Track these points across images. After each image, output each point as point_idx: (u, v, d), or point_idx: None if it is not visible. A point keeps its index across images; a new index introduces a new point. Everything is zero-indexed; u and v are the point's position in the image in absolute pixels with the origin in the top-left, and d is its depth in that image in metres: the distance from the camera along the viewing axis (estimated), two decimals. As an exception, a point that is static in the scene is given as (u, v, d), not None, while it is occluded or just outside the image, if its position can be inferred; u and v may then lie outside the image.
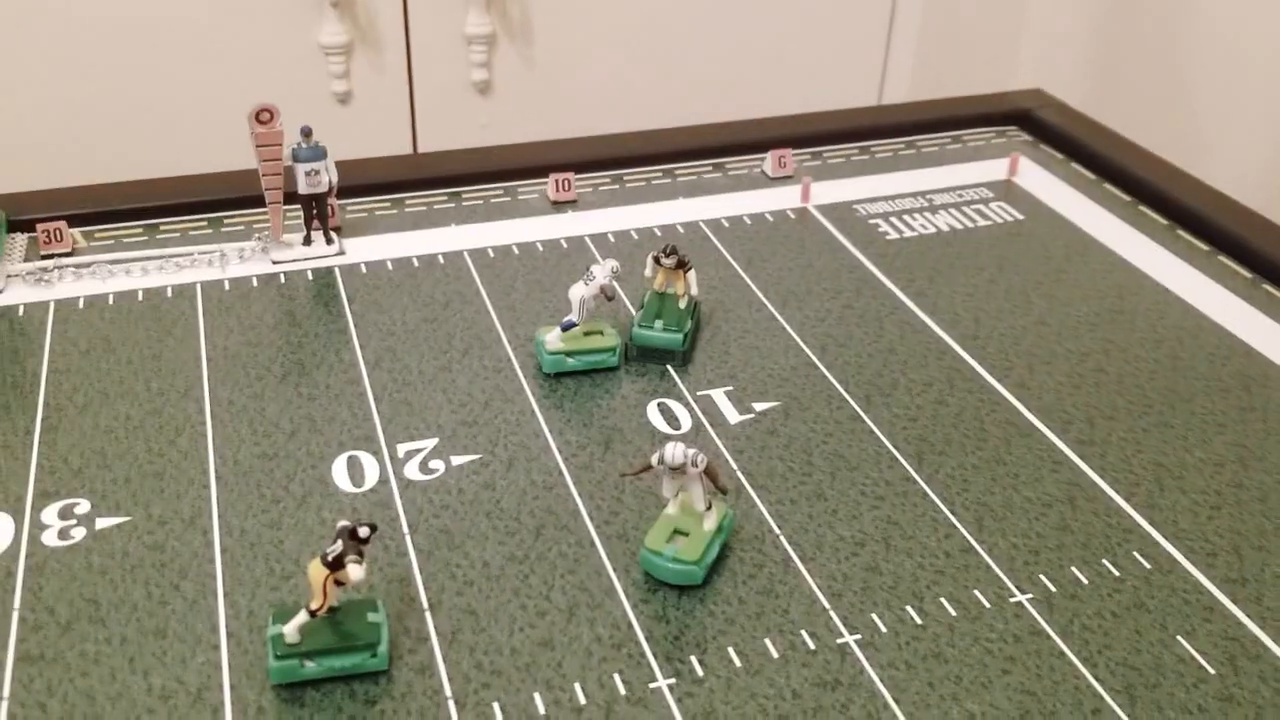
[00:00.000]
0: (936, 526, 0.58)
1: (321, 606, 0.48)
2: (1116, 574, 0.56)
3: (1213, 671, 0.51)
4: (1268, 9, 1.40)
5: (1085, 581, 0.55)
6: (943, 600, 0.54)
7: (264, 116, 0.74)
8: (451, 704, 0.48)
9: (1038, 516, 0.59)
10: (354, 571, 0.47)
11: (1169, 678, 0.50)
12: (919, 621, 0.53)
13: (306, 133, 0.77)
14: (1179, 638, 0.52)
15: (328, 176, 0.77)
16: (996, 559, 0.56)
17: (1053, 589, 0.55)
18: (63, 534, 0.56)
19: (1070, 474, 0.62)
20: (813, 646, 0.51)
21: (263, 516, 0.58)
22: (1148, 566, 0.56)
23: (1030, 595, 0.54)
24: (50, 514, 0.57)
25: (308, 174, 0.77)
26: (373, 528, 0.48)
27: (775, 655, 0.51)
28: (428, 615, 0.52)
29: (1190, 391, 0.69)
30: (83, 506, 0.58)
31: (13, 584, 0.53)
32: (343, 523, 0.48)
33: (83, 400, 0.65)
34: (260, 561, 0.55)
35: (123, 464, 0.61)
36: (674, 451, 0.52)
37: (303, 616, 0.48)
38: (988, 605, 0.54)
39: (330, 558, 0.47)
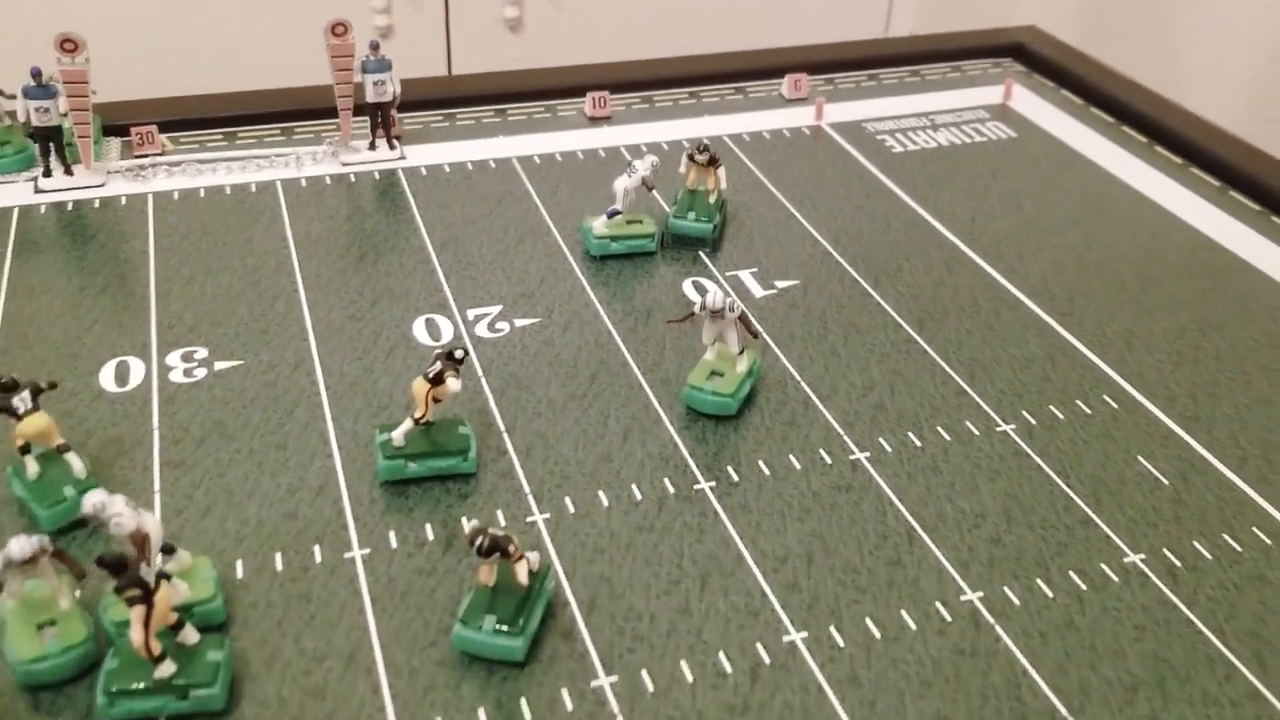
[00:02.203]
0: (934, 376, 0.68)
1: (423, 416, 0.57)
2: (1088, 412, 0.65)
3: (1166, 483, 0.60)
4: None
5: (1061, 417, 0.64)
6: (939, 429, 0.63)
7: (339, 30, 0.83)
8: (531, 498, 0.58)
9: (1022, 369, 0.68)
10: (452, 384, 0.56)
11: (1129, 486, 0.60)
12: (919, 444, 0.62)
13: (375, 46, 0.85)
14: (1139, 458, 0.62)
15: (392, 87, 0.86)
16: (985, 400, 0.66)
17: (1033, 422, 0.64)
18: (187, 373, 0.65)
19: (1051, 338, 0.71)
20: (829, 461, 0.61)
21: (357, 364, 0.67)
22: (1115, 406, 0.66)
23: (1014, 426, 0.64)
24: (174, 358, 0.67)
25: (375, 84, 0.85)
26: (466, 351, 0.57)
27: (798, 467, 0.60)
28: (505, 437, 0.62)
29: (1160, 276, 0.78)
30: (201, 353, 0.67)
31: (149, 410, 0.63)
32: (440, 347, 0.57)
33: (189, 273, 0.75)
34: (359, 396, 0.64)
35: (231, 322, 0.70)
36: (715, 296, 0.62)
37: (407, 424, 0.57)
38: (977, 433, 0.63)
39: (431, 375, 0.57)
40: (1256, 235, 0.84)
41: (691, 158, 0.80)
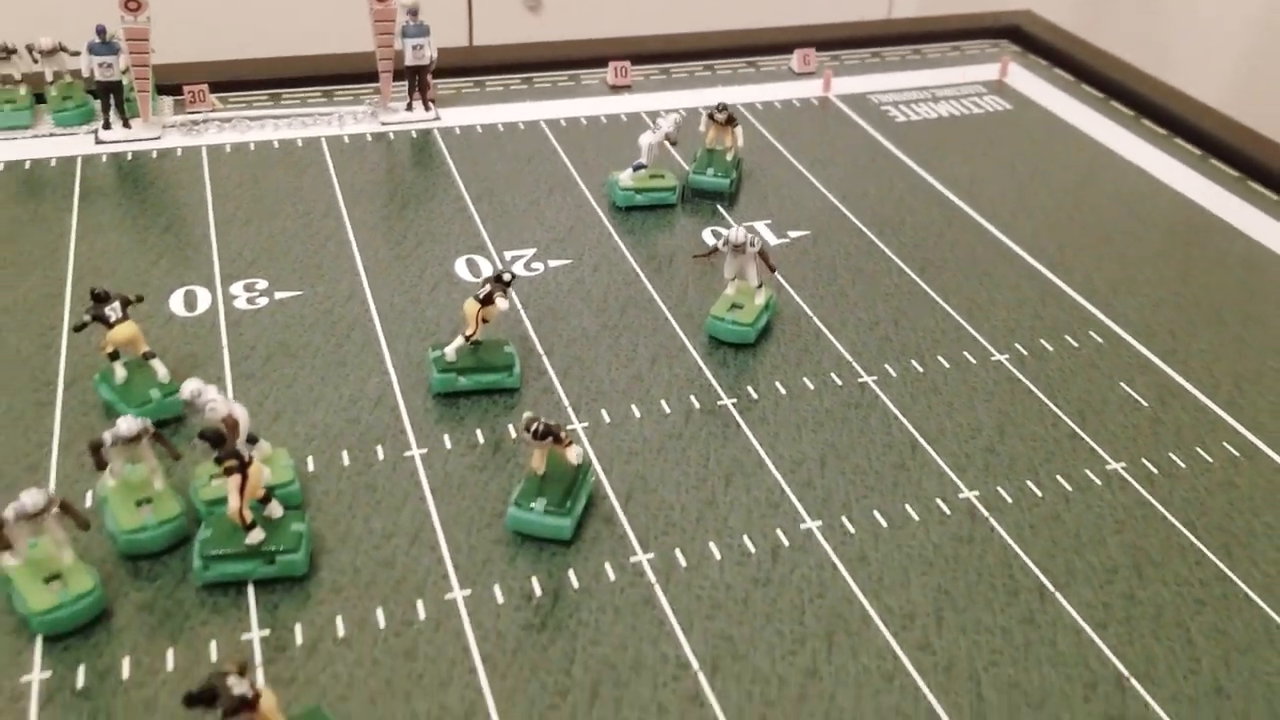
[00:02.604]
0: (935, 313, 0.73)
1: (473, 334, 0.63)
2: (1076, 345, 0.71)
3: (1146, 405, 0.66)
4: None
5: (1050, 349, 0.70)
6: (939, 357, 0.69)
7: (382, -4, 0.88)
8: (570, 410, 0.63)
9: (1015, 309, 0.74)
10: (500, 303, 0.62)
11: (1112, 407, 0.66)
12: (921, 370, 0.68)
13: (414, 12, 0.91)
14: (1122, 384, 0.68)
15: (429, 51, 0.92)
16: (981, 334, 0.72)
17: (1025, 353, 0.70)
18: (250, 301, 0.71)
19: (1042, 283, 0.77)
20: (840, 383, 0.66)
21: (405, 296, 0.73)
22: (1100, 341, 0.71)
23: (1008, 356, 0.69)
24: (237, 288, 0.72)
25: (414, 48, 0.91)
26: (513, 275, 0.63)
27: (811, 388, 0.66)
28: (545, 359, 0.67)
29: (1145, 233, 0.84)
30: (262, 284, 0.73)
31: (218, 332, 0.68)
32: (489, 273, 0.63)
33: (245, 216, 0.80)
34: (409, 323, 0.70)
35: (287, 258, 0.76)
36: (737, 232, 0.67)
37: (459, 341, 0.63)
38: (974, 361, 0.69)
39: (481, 295, 0.62)
40: (1234, 198, 0.90)
41: (711, 116, 0.86)
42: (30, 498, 0.47)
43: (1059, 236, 0.83)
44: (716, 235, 0.80)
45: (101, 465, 0.52)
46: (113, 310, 0.60)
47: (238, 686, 0.39)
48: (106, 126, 0.88)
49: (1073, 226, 0.85)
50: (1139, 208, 0.88)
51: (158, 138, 0.89)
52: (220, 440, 0.49)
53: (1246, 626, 0.53)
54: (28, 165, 0.85)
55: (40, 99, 0.90)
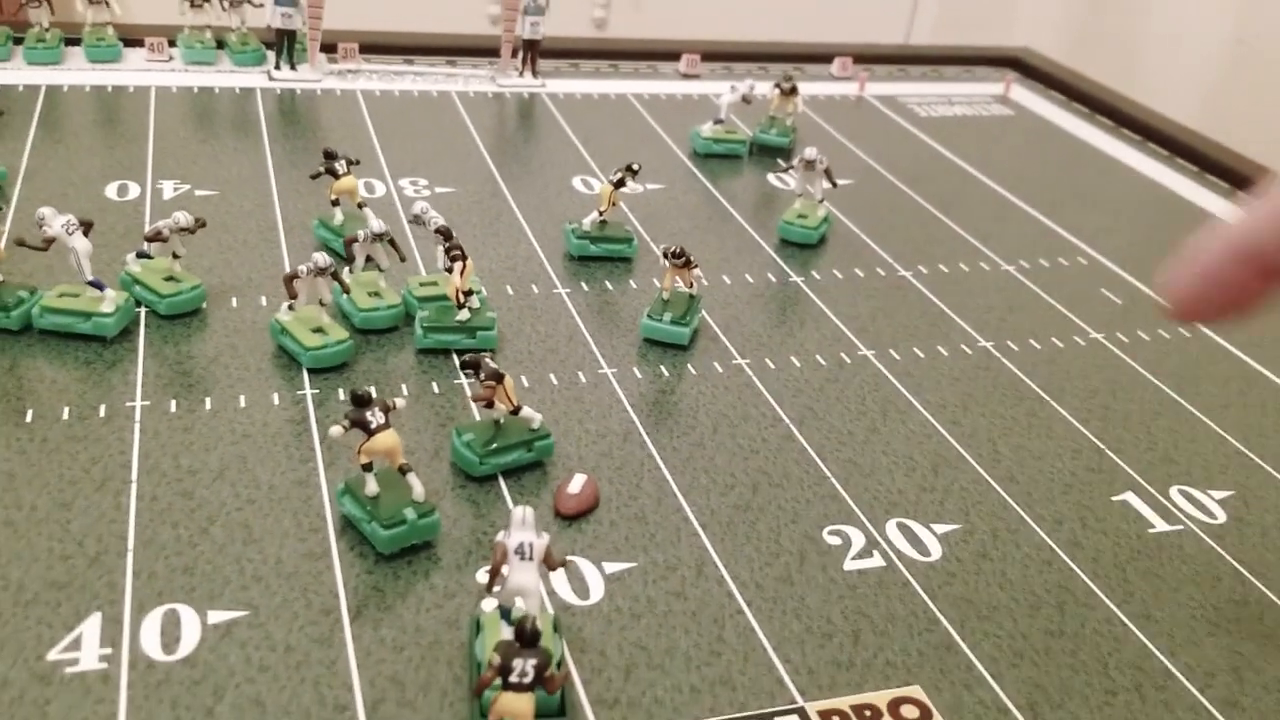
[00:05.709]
0: (955, 238, 0.92)
1: (605, 211, 0.80)
2: (1065, 264, 0.90)
3: (1119, 302, 0.84)
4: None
5: (1046, 265, 0.89)
6: (961, 264, 0.88)
7: (511, -21, 1.08)
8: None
9: (1018, 238, 0.93)
10: (631, 185, 0.80)
11: (1094, 302, 0.84)
12: (946, 271, 0.86)
13: (535, -5, 1.11)
14: (1101, 289, 0.86)
15: (543, 29, 1.11)
16: (994, 252, 0.90)
17: (1027, 266, 0.88)
18: (416, 191, 0.89)
19: (1040, 225, 0.96)
20: (884, 274, 0.85)
21: (536, 196, 0.91)
22: (1085, 263, 0.90)
23: (1014, 267, 0.88)
24: (404, 183, 0.90)
25: (531, 24, 1.10)
26: (640, 166, 0.81)
27: (862, 276, 0.84)
28: (652, 244, 0.85)
29: (1123, 200, 1.04)
30: (423, 181, 0.91)
31: (395, 209, 0.86)
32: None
33: (400, 137, 0.99)
34: (543, 214, 0.88)
35: (439, 166, 0.94)
36: (812, 150, 0.86)
37: (593, 215, 0.81)
38: (988, 270, 0.87)
39: (615, 179, 0.80)
40: (1194, 185, 1.10)
41: (778, 85, 1.05)
42: (321, 256, 0.64)
43: (1053, 197, 1.03)
44: (788, 159, 1.00)
45: (351, 258, 0.70)
46: (340, 165, 0.77)
47: (492, 363, 0.56)
48: (278, 67, 1.06)
49: (1064, 191, 1.04)
50: (1119, 185, 1.08)
51: (319, 80, 1.07)
52: (450, 236, 0.67)
53: (1194, 442, 0.70)
54: (216, 91, 1.04)
55: (220, 44, 1.09)
